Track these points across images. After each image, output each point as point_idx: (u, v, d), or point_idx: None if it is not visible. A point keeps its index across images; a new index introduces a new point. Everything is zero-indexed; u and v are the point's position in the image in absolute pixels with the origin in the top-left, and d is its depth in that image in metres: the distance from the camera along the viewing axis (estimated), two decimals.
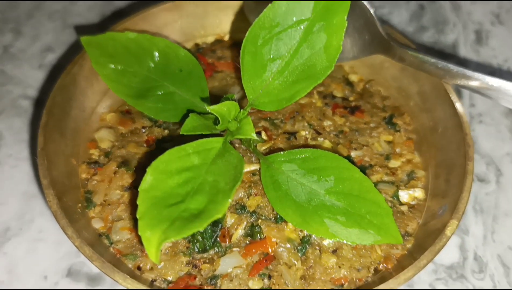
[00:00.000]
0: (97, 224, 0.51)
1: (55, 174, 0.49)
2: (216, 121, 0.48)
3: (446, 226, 0.46)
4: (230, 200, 0.41)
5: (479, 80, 0.53)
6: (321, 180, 0.48)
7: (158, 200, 0.41)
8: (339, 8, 0.45)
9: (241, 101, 0.58)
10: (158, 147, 0.56)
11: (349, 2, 0.45)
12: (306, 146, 0.55)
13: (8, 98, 0.73)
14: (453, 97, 0.55)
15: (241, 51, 0.46)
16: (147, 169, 0.42)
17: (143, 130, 0.58)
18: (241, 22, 0.67)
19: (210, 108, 0.46)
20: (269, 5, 0.45)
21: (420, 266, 0.43)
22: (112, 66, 0.56)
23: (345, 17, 0.45)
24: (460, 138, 0.52)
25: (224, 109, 0.46)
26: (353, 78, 0.65)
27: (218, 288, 0.47)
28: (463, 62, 0.77)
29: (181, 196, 0.42)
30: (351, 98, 0.62)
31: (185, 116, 0.50)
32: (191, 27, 0.67)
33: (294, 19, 0.46)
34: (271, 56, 0.46)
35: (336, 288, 0.47)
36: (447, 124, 0.55)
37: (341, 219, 0.46)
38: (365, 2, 0.59)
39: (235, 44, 0.67)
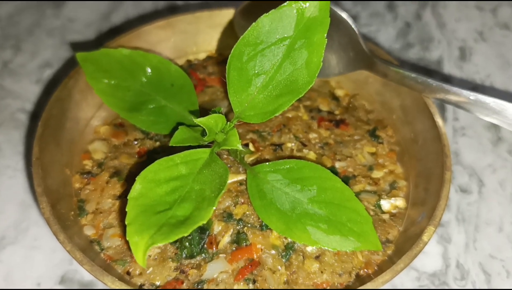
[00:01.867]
0: (89, 231, 0.53)
1: (49, 182, 0.51)
2: (203, 133, 0.50)
3: (423, 232, 0.48)
4: (214, 208, 0.43)
5: (457, 94, 0.56)
6: (304, 190, 0.50)
7: (146, 207, 0.44)
8: (319, 27, 0.47)
9: (229, 114, 0.60)
10: (149, 158, 0.58)
11: (328, 21, 0.47)
12: (291, 157, 0.57)
13: (7, 112, 0.76)
14: (433, 110, 0.58)
15: (227, 66, 0.49)
16: (136, 178, 0.45)
17: (135, 142, 0.60)
18: (232, 39, 0.70)
19: (198, 121, 0.48)
20: (253, 23, 0.48)
21: (397, 270, 0.45)
22: (106, 80, 0.59)
23: (325, 35, 0.47)
24: (438, 149, 0.55)
25: (211, 121, 0.49)
26: (339, 92, 0.68)
27: None
28: (447, 78, 0.80)
29: (169, 204, 0.44)
30: (336, 112, 0.64)
31: (175, 128, 0.52)
32: (184, 44, 0.70)
33: (277, 36, 0.48)
34: (256, 72, 0.49)
35: None
36: (427, 136, 0.58)
37: (323, 226, 0.48)
38: (350, 21, 0.62)
39: (225, 60, 0.70)
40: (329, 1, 0.47)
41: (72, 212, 0.53)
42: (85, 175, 0.57)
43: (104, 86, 0.59)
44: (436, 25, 0.88)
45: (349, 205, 0.49)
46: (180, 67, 0.64)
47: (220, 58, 0.70)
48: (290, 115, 0.62)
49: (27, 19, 0.89)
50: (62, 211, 0.50)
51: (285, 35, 0.48)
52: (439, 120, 0.57)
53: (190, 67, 0.69)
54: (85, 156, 0.59)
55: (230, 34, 0.70)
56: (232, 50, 0.48)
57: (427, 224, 0.48)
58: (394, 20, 0.89)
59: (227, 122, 0.51)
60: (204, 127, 0.49)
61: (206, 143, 0.51)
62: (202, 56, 0.71)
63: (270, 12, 0.47)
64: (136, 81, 0.59)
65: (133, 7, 0.90)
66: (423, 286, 0.60)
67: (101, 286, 0.59)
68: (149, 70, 0.60)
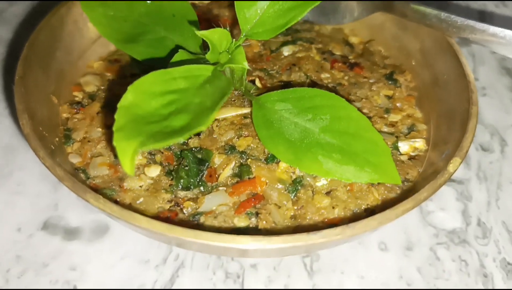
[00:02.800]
0: (75, 160, 0.48)
1: (32, 105, 0.46)
2: (205, 51, 0.45)
3: (449, 163, 0.42)
4: (215, 114, 0.38)
5: (484, 31, 0.51)
6: (316, 119, 0.45)
7: (138, 117, 0.38)
8: None
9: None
10: None
11: None
12: None
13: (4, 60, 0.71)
14: (456, 48, 0.53)
15: None
16: (128, 88, 0.39)
17: (132, 78, 0.55)
18: None
19: (200, 33, 0.43)
20: None
21: (420, 199, 0.40)
22: (102, 10, 0.54)
23: None
24: (463, 87, 0.50)
25: (215, 36, 0.44)
26: (353, 40, 0.63)
27: (200, 224, 0.43)
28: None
29: (164, 116, 0.39)
30: (350, 57, 0.59)
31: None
32: None
33: None
34: None
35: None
36: (450, 75, 0.53)
37: (336, 156, 0.43)
38: None
39: (232, 4, 0.65)
40: None
41: (57, 139, 0.48)
42: (74, 105, 0.52)
43: (99, 15, 0.54)
44: None
45: (365, 135, 0.44)
46: None
47: (227, 2, 0.66)
48: (300, 55, 0.57)
49: None
50: (45, 134, 0.45)
51: None
52: (463, 59, 0.52)
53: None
54: (75, 88, 0.55)
55: None
56: None
57: (453, 156, 0.43)
58: None
59: (232, 41, 0.46)
60: (206, 40, 0.44)
61: (207, 63, 0.46)
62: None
63: None
64: (133, 11, 0.55)
65: None
66: (441, 243, 0.54)
67: (87, 234, 0.54)
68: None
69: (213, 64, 0.46)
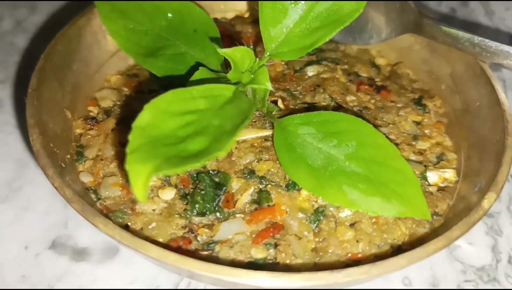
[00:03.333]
0: (86, 178, 0.46)
1: (45, 119, 0.44)
2: (227, 70, 0.43)
3: (483, 198, 0.39)
4: (235, 138, 0.35)
5: None
6: (341, 145, 0.42)
7: (154, 138, 0.36)
8: None
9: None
10: None
11: None
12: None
13: (13, 69, 0.70)
14: (490, 74, 0.50)
15: None
16: (144, 106, 0.37)
17: (150, 94, 0.53)
18: None
19: (222, 51, 0.41)
20: None
21: (452, 237, 0.37)
22: (122, 23, 0.53)
23: None
24: (497, 115, 0.47)
25: (237, 54, 0.41)
26: (380, 61, 0.60)
27: (215, 254, 0.41)
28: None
29: (181, 138, 0.37)
30: (377, 79, 0.57)
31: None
32: (211, 1, 0.63)
33: None
34: (293, 0, 0.42)
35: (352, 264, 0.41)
36: (482, 103, 0.50)
37: (361, 186, 0.41)
38: None
39: (256, 21, 0.63)
40: None
41: (69, 156, 0.46)
42: (88, 121, 0.50)
43: (119, 28, 0.53)
44: (484, 12, 0.81)
45: (393, 164, 0.41)
46: None
47: (251, 18, 0.64)
48: (325, 76, 0.55)
49: None
50: (56, 151, 0.43)
51: None
52: (497, 85, 0.49)
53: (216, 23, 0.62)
54: (91, 102, 0.53)
55: None
56: None
57: (487, 191, 0.40)
58: (438, 5, 0.82)
59: (256, 60, 0.43)
60: (228, 59, 0.41)
61: (229, 82, 0.43)
62: (230, 15, 0.64)
63: None
64: (154, 24, 0.53)
65: None
66: (469, 280, 0.51)
67: (96, 255, 0.51)
68: (169, 13, 0.53)
69: (235, 83, 0.43)
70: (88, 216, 0.36)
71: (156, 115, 0.37)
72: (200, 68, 0.45)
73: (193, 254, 0.41)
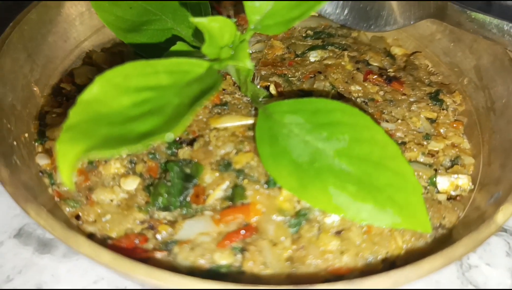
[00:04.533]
0: (42, 161, 0.41)
1: (3, 92, 0.39)
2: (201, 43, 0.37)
3: (497, 210, 0.32)
4: (189, 118, 0.29)
5: None
6: (331, 139, 0.36)
7: (98, 116, 0.31)
8: None
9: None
10: None
11: None
12: None
13: None
14: None
15: None
16: (95, 77, 0.32)
17: None
18: None
19: (195, 20, 0.35)
20: None
21: (453, 256, 0.30)
22: None
23: None
24: None
25: (215, 25, 0.36)
26: (396, 50, 0.54)
27: (173, 255, 0.35)
28: None
29: (132, 117, 0.31)
30: (390, 70, 0.50)
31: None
32: None
33: None
34: None
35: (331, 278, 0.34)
36: (510, 101, 0.42)
37: (351, 189, 0.34)
38: None
39: None
40: None
41: (27, 134, 0.41)
42: (58, 98, 0.45)
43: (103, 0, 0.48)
44: None
45: (391, 165, 0.35)
46: None
47: None
48: (330, 62, 0.48)
49: None
50: (10, 127, 0.38)
51: None
52: None
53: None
54: (65, 79, 0.48)
55: None
56: None
57: (503, 202, 0.33)
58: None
59: (238, 33, 0.37)
60: (204, 32, 0.35)
61: (206, 59, 0.37)
62: None
63: None
64: None
65: None
66: None
67: (63, 248, 0.47)
68: None
69: (213, 60, 0.37)
70: (19, 201, 0.31)
71: (107, 90, 0.32)
72: (178, 42, 0.40)
73: (147, 254, 0.35)
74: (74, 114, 0.30)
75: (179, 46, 0.39)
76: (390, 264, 0.35)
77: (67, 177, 0.27)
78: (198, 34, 0.46)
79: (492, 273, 0.46)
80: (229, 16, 0.37)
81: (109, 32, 0.50)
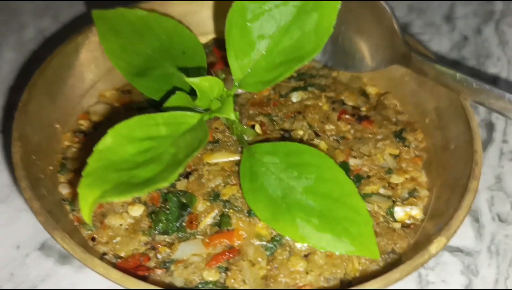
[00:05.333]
0: (64, 190, 0.49)
1: (30, 131, 0.48)
2: (195, 97, 0.45)
3: (431, 243, 0.40)
4: (180, 170, 0.37)
5: (500, 97, 0.48)
6: (301, 177, 0.44)
7: (111, 163, 0.39)
8: None
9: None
10: None
11: None
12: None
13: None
14: (469, 112, 0.50)
15: (226, 22, 0.43)
16: (108, 131, 0.40)
17: (138, 111, 0.56)
18: None
19: (190, 80, 0.43)
20: None
21: (390, 280, 0.37)
22: (118, 42, 0.55)
23: None
24: (468, 156, 0.47)
25: (205, 84, 0.43)
26: (370, 90, 0.61)
27: (169, 273, 0.43)
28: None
29: (136, 164, 0.39)
30: (363, 108, 0.57)
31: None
32: (211, 20, 0.65)
33: None
34: (261, 33, 0.43)
35: None
36: (459, 142, 0.50)
37: (314, 221, 0.42)
38: (388, 9, 0.55)
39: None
40: None
41: (51, 167, 0.49)
42: (77, 134, 0.53)
43: (114, 47, 0.55)
44: (498, 42, 0.79)
45: (348, 201, 0.42)
46: (204, 44, 0.60)
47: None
48: (309, 103, 0.56)
49: None
50: (38, 162, 0.47)
51: None
52: (474, 124, 0.49)
53: (214, 44, 0.64)
54: (83, 116, 0.56)
55: None
56: (233, 3, 0.43)
57: (438, 235, 0.40)
58: (451, 32, 0.81)
59: (225, 90, 0.45)
60: (196, 89, 0.43)
61: (200, 109, 0.45)
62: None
63: None
64: (146, 45, 0.55)
65: None
66: None
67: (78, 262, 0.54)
68: (161, 35, 0.55)
69: (204, 110, 0.45)
70: (48, 229, 0.39)
71: (117, 140, 0.40)
72: (176, 92, 0.47)
73: (149, 271, 0.43)
74: (92, 161, 0.38)
75: (177, 96, 0.47)
76: (347, 283, 0.43)
77: (87, 216, 0.35)
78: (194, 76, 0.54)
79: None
80: (217, 75, 0.44)
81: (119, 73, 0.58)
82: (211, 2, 0.65)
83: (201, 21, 0.65)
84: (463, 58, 0.77)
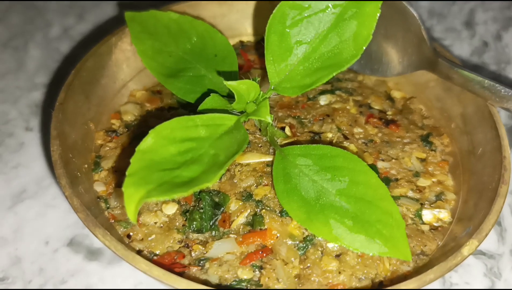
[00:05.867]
0: (99, 188, 0.50)
1: (67, 130, 0.49)
2: (231, 100, 0.46)
3: (464, 245, 0.41)
4: (223, 171, 0.38)
5: None
6: (334, 180, 0.45)
7: (153, 163, 0.40)
8: None
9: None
10: None
11: None
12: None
13: (59, 74, 0.76)
14: (496, 119, 0.51)
15: (266, 28, 0.44)
16: (149, 131, 0.41)
17: (169, 111, 0.57)
18: None
19: (228, 84, 0.44)
20: None
21: (425, 280, 0.38)
22: (150, 43, 0.57)
23: (379, 6, 0.42)
24: (497, 162, 0.47)
25: (243, 87, 0.44)
26: (396, 94, 0.62)
27: (204, 270, 0.44)
28: None
29: (178, 164, 0.40)
30: (389, 112, 0.58)
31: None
32: (239, 23, 0.67)
33: (326, 3, 0.43)
34: (299, 39, 0.44)
35: None
36: (486, 147, 0.50)
37: (348, 222, 0.43)
38: (416, 16, 0.56)
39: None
40: None
41: (86, 166, 0.50)
42: (110, 133, 0.54)
43: (147, 48, 0.57)
44: None
45: (381, 204, 0.43)
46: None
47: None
48: (336, 106, 0.57)
49: None
50: (74, 160, 0.48)
51: (336, 2, 0.43)
52: (502, 130, 0.50)
53: (241, 47, 0.65)
54: (114, 115, 0.57)
55: None
56: (275, 10, 0.44)
57: (470, 237, 0.41)
58: (471, 37, 0.82)
59: (261, 92, 0.46)
60: (234, 92, 0.44)
61: (235, 112, 0.46)
62: (256, 38, 0.67)
63: None
64: (179, 47, 0.57)
65: None
66: None
67: (108, 256, 0.56)
68: (194, 37, 0.57)
69: (241, 112, 0.46)
70: (89, 225, 0.40)
71: (158, 141, 0.41)
72: (211, 94, 0.48)
73: (184, 268, 0.44)
74: (134, 161, 0.39)
75: (212, 98, 0.48)
76: (378, 283, 0.44)
77: (132, 215, 0.36)
78: (226, 79, 0.55)
79: None
80: (254, 78, 0.45)
81: (150, 73, 0.59)
82: (240, 5, 0.66)
83: (230, 24, 0.66)
84: (484, 64, 0.78)
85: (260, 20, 0.67)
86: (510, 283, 0.54)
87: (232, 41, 0.67)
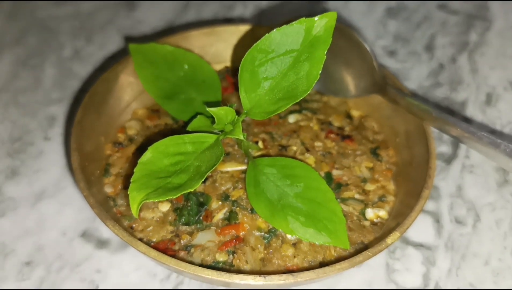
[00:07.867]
0: (108, 189, 0.62)
1: (84, 142, 0.61)
2: (213, 121, 0.58)
3: (388, 235, 0.53)
4: (203, 179, 0.50)
5: (454, 125, 0.61)
6: (292, 185, 0.57)
7: (151, 172, 0.52)
8: (322, 44, 0.54)
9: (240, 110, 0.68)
10: None
11: (330, 40, 0.54)
12: (293, 158, 0.64)
13: (69, 91, 0.88)
14: (429, 136, 0.63)
15: (240, 68, 0.57)
16: (148, 148, 0.53)
17: (165, 126, 0.70)
18: None
19: (210, 110, 0.56)
20: (266, 34, 0.56)
21: (355, 261, 0.51)
22: (150, 70, 0.69)
23: (325, 52, 0.54)
24: (425, 171, 0.60)
25: (221, 112, 0.57)
26: (354, 113, 0.74)
27: (190, 254, 0.56)
28: (468, 120, 0.84)
29: (170, 173, 0.52)
30: (346, 128, 0.71)
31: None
32: (224, 51, 0.79)
33: (286, 48, 0.56)
34: (265, 76, 0.56)
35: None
36: (421, 159, 0.63)
37: (301, 219, 0.55)
38: (368, 48, 0.69)
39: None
40: (333, 24, 0.54)
41: (98, 172, 0.63)
42: (116, 145, 0.67)
43: (147, 75, 0.69)
44: (469, 70, 0.92)
45: (328, 205, 0.55)
46: (218, 71, 0.74)
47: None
48: (302, 123, 0.69)
49: (102, 17, 1.02)
50: (90, 168, 0.60)
51: (293, 48, 0.55)
52: (432, 146, 0.62)
53: (226, 72, 0.78)
54: (120, 130, 0.69)
55: None
56: (246, 54, 0.56)
57: (393, 230, 0.54)
58: (429, 60, 0.94)
59: (236, 116, 0.59)
60: (214, 116, 0.57)
61: (216, 131, 0.59)
62: (239, 64, 0.79)
63: (282, 26, 0.55)
64: (174, 74, 0.69)
65: (196, 13, 1.02)
66: None
67: (114, 245, 0.68)
68: (186, 66, 0.69)
69: (220, 131, 0.59)
70: (102, 218, 0.53)
71: (155, 154, 0.53)
72: (198, 116, 0.61)
73: (174, 252, 0.56)
74: (137, 171, 0.52)
75: (199, 119, 0.60)
76: (325, 265, 0.56)
77: (135, 212, 0.49)
78: (212, 101, 0.67)
79: (409, 276, 0.66)
80: (232, 107, 0.58)
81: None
82: (225, 35, 0.78)
83: (217, 52, 0.78)
84: (438, 84, 0.90)
85: (243, 48, 0.79)
86: (442, 270, 0.67)
87: (219, 66, 0.79)
